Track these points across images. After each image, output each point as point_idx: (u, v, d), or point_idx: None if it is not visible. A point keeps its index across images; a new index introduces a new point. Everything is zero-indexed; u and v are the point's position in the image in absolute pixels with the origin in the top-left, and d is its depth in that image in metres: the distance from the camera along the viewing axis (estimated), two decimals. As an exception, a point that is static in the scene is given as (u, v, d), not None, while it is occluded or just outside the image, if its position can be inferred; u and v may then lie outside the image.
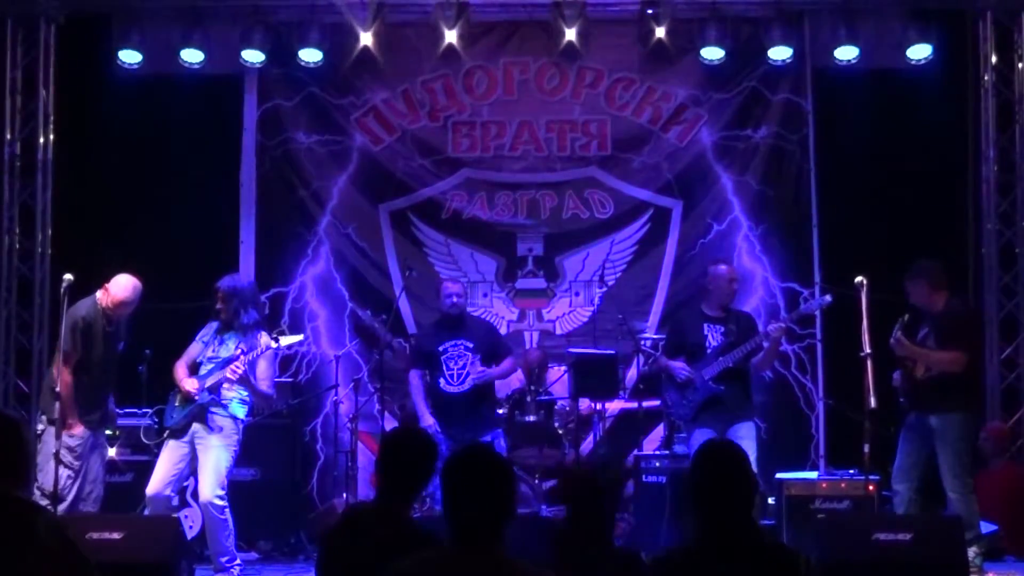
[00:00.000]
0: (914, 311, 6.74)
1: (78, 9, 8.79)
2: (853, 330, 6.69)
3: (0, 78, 8.65)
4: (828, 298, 7.03)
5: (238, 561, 6.55)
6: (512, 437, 7.73)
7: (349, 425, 8.23)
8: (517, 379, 8.23)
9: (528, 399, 7.94)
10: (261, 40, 8.70)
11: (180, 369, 6.64)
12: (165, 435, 6.55)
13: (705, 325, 6.95)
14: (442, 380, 7.25)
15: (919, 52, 8.58)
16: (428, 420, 7.24)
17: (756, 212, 9.02)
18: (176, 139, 8.88)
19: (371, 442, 8.73)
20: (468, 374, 7.20)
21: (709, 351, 6.88)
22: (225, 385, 6.51)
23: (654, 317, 8.97)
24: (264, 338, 6.60)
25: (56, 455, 6.25)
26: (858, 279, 6.52)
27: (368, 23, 8.61)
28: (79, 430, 6.53)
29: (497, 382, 7.64)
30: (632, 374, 8.32)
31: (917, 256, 8.33)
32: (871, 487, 6.66)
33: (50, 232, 8.77)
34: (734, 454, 3.36)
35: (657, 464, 7.57)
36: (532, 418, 7.89)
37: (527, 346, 8.96)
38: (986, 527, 7.35)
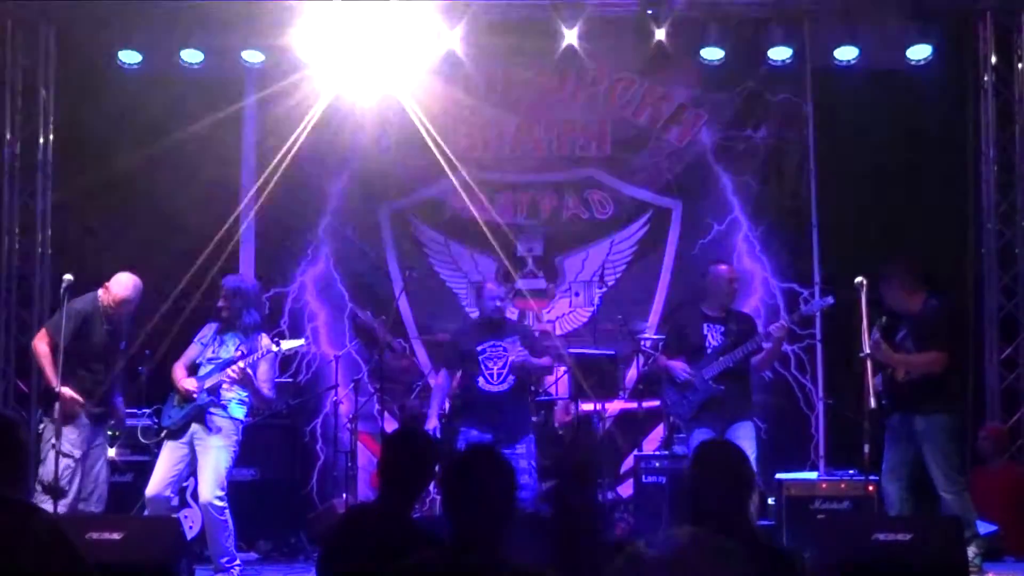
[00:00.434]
0: (892, 313, 6.71)
1: (78, 9, 8.79)
2: (853, 330, 6.70)
3: (0, 78, 8.65)
4: (830, 299, 7.02)
5: (238, 561, 6.55)
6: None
7: (349, 425, 8.23)
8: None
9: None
10: (261, 40, 8.68)
11: (179, 370, 6.64)
12: (162, 435, 6.55)
13: (705, 325, 6.95)
14: (481, 379, 7.04)
15: (919, 52, 8.58)
16: (431, 422, 7.15)
17: (756, 212, 9.02)
18: (176, 139, 8.86)
19: (371, 442, 8.74)
20: (508, 373, 7.03)
21: (709, 351, 6.87)
22: (224, 386, 6.51)
23: (654, 317, 8.98)
24: (265, 340, 6.60)
25: (57, 451, 6.24)
26: (858, 279, 6.51)
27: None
28: (67, 392, 6.43)
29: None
30: (632, 374, 8.32)
31: (916, 256, 8.36)
32: (871, 487, 6.66)
33: (50, 232, 8.77)
34: (731, 454, 3.36)
35: (657, 464, 7.57)
36: (533, 419, 7.89)
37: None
38: (986, 527, 7.35)
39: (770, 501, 7.50)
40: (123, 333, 6.88)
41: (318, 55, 8.66)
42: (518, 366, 7.03)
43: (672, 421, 7.59)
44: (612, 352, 8.29)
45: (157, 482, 6.42)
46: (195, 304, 7.59)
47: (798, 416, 8.80)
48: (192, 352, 6.72)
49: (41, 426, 6.61)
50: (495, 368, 7.05)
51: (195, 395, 6.47)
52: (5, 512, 3.39)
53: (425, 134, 9.10)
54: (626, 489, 8.34)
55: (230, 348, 6.60)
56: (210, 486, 6.35)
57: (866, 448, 6.35)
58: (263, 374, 6.60)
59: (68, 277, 6.47)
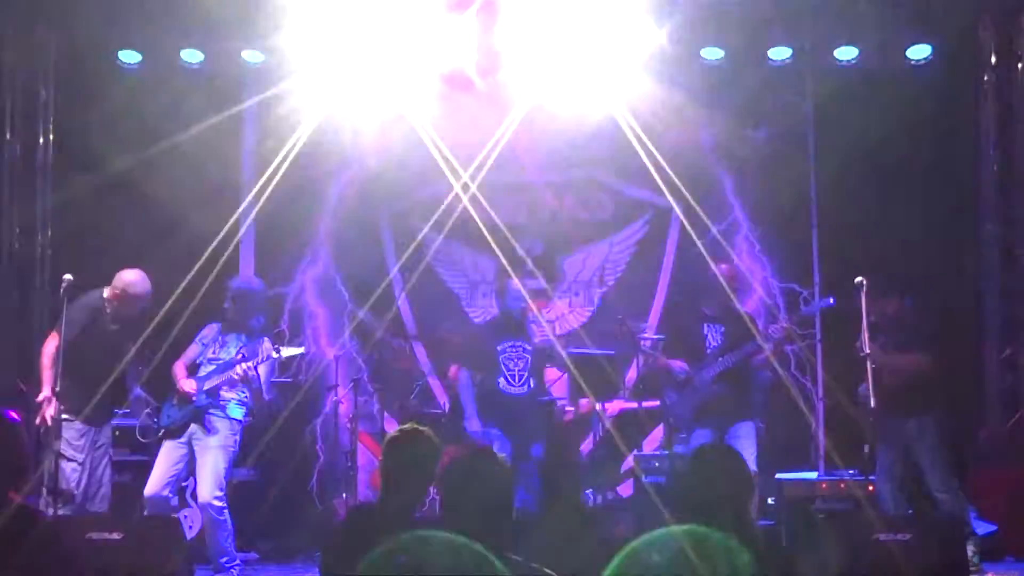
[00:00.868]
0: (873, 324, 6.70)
1: (78, 9, 8.78)
2: (853, 330, 6.70)
3: (0, 78, 8.65)
4: (830, 300, 7.02)
5: (237, 561, 6.56)
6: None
7: (349, 425, 8.24)
8: None
9: None
10: (260, 40, 8.68)
11: (179, 369, 6.64)
12: (160, 434, 6.54)
13: (705, 325, 6.96)
14: (502, 380, 6.98)
15: (919, 52, 8.58)
16: (474, 424, 7.01)
17: (756, 212, 9.02)
18: (176, 139, 8.86)
19: (371, 442, 8.74)
20: (529, 375, 6.97)
21: (709, 351, 6.88)
22: (223, 388, 6.50)
23: (654, 317, 8.99)
24: (267, 345, 6.59)
25: (56, 453, 6.21)
26: (858, 279, 6.52)
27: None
28: (53, 409, 6.23)
29: None
30: (632, 374, 8.32)
31: (916, 256, 8.38)
32: (871, 487, 6.66)
33: (50, 232, 8.77)
34: (729, 458, 3.35)
35: (657, 464, 7.57)
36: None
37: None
38: (986, 527, 7.36)
39: (770, 501, 7.50)
40: (129, 334, 6.74)
41: (315, 56, 8.70)
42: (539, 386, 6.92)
43: (672, 421, 7.58)
44: (612, 352, 8.29)
45: (155, 482, 6.43)
46: (196, 304, 7.57)
47: (798, 416, 8.80)
48: (193, 352, 6.71)
49: (43, 430, 6.49)
50: (516, 369, 6.99)
51: (194, 396, 6.48)
52: (5, 512, 3.40)
53: (431, 145, 9.13)
54: (626, 489, 8.34)
55: (231, 350, 6.60)
56: (209, 486, 6.36)
57: (866, 448, 6.36)
58: (262, 377, 6.59)
59: (68, 277, 6.45)
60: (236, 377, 6.45)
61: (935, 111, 8.75)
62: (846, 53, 8.63)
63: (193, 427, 6.48)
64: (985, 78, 8.64)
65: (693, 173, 9.11)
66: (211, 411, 6.47)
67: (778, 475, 7.45)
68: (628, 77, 9.11)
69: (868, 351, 6.40)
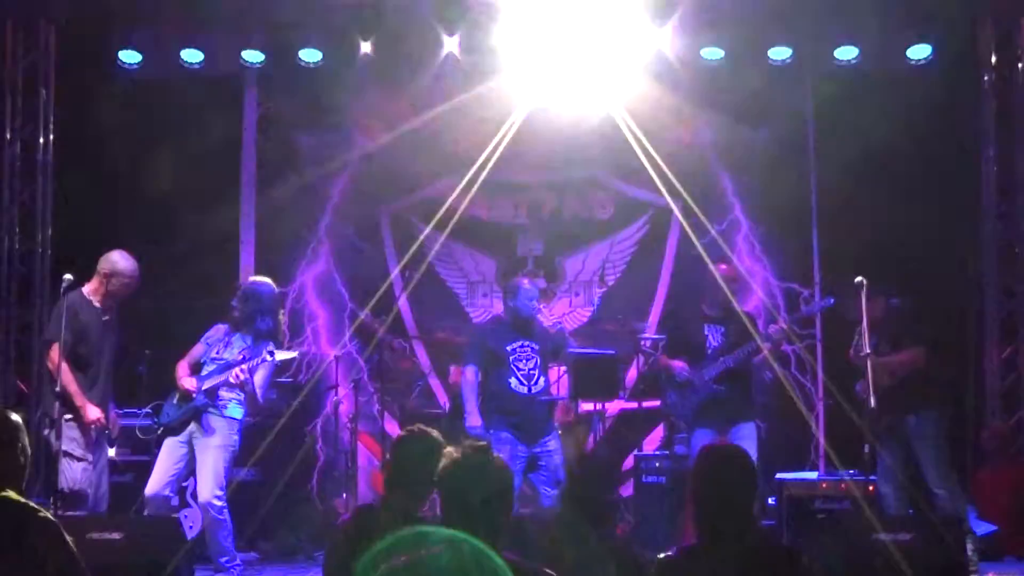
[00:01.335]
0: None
1: (78, 9, 8.78)
2: (852, 330, 6.71)
3: (0, 78, 8.65)
4: (830, 300, 7.02)
5: (238, 561, 6.55)
6: None
7: (349, 425, 8.24)
8: None
9: None
10: (261, 40, 8.70)
11: (181, 368, 6.64)
12: (159, 432, 6.54)
13: (706, 326, 6.96)
14: (513, 380, 6.88)
15: (919, 52, 8.58)
16: (475, 420, 6.92)
17: (756, 212, 9.02)
18: (176, 139, 8.87)
19: (371, 442, 8.74)
20: (540, 374, 6.90)
21: (710, 351, 6.88)
22: (222, 388, 6.49)
23: (654, 317, 8.99)
24: (270, 348, 6.56)
25: (58, 451, 6.21)
26: (858, 279, 6.52)
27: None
28: (96, 413, 6.33)
29: None
30: (632, 374, 8.32)
31: (916, 256, 8.38)
32: (871, 487, 6.66)
33: (50, 232, 8.77)
34: (734, 459, 3.35)
35: (657, 464, 7.57)
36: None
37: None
38: (986, 527, 7.36)
39: (770, 501, 7.50)
40: (115, 325, 6.70)
41: (318, 55, 8.71)
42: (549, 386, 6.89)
43: (672, 421, 7.59)
44: (612, 352, 8.29)
45: (156, 481, 6.42)
46: (196, 304, 7.58)
47: (798, 416, 8.80)
48: (197, 351, 6.71)
49: (46, 432, 6.40)
50: (526, 368, 6.93)
51: (193, 395, 6.47)
52: (5, 512, 3.39)
53: (425, 134, 9.14)
54: (626, 489, 8.34)
55: (235, 350, 6.59)
56: (209, 486, 6.35)
57: (866, 448, 6.36)
58: (259, 379, 6.57)
59: (68, 277, 6.44)
60: (232, 380, 6.44)
61: (935, 111, 8.74)
62: (846, 53, 8.63)
63: (193, 427, 6.47)
64: (985, 78, 8.64)
65: (693, 173, 9.12)
66: (209, 411, 6.47)
67: (778, 475, 7.45)
68: (628, 77, 9.13)
69: (868, 351, 6.40)
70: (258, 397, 6.57)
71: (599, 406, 8.09)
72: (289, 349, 6.71)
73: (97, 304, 6.57)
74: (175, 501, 7.00)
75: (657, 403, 7.87)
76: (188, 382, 6.51)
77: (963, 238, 8.79)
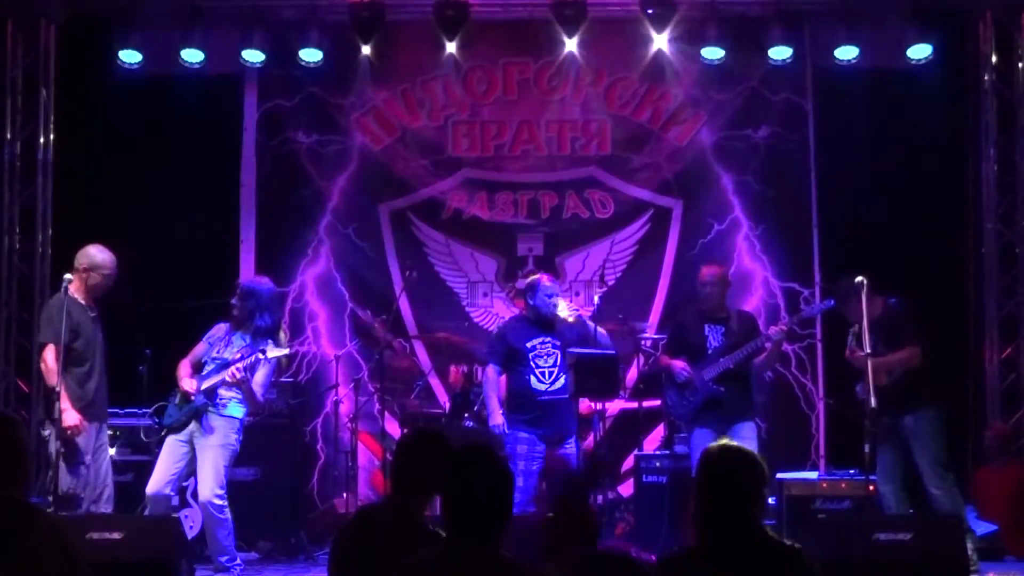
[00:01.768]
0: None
1: (78, 9, 8.79)
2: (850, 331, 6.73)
3: (0, 78, 8.65)
4: (830, 301, 7.01)
5: (238, 561, 6.55)
6: None
7: (349, 425, 8.24)
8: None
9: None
10: (261, 40, 8.70)
11: (183, 367, 6.63)
12: (163, 432, 6.54)
13: (706, 326, 6.95)
14: (533, 378, 6.85)
15: (919, 52, 8.57)
16: (497, 419, 6.91)
17: (756, 212, 9.02)
18: (176, 139, 8.88)
19: (371, 442, 8.74)
20: (561, 371, 6.87)
21: (710, 352, 6.87)
22: (222, 387, 6.49)
23: (654, 317, 8.97)
24: (261, 347, 6.54)
25: (57, 452, 6.21)
26: (858, 279, 6.52)
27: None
28: (75, 419, 6.30)
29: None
30: (632, 374, 8.31)
31: (916, 256, 8.38)
32: (871, 487, 6.66)
33: (50, 232, 8.78)
34: (740, 460, 3.33)
35: (657, 464, 7.56)
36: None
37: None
38: (986, 527, 7.36)
39: (770, 501, 7.50)
40: (100, 319, 6.68)
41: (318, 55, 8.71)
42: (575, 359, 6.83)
43: (672, 421, 7.58)
44: (612, 352, 8.27)
45: (157, 480, 6.42)
46: (196, 304, 7.57)
47: (798, 416, 8.80)
48: (199, 350, 6.71)
49: (46, 433, 6.40)
50: (546, 366, 6.91)
51: (193, 396, 6.47)
52: (5, 512, 3.39)
53: (425, 134, 9.14)
54: (626, 489, 8.34)
55: (234, 349, 6.59)
56: (209, 485, 6.35)
57: (866, 448, 6.36)
58: (259, 378, 6.57)
59: (68, 277, 6.45)
60: (228, 379, 6.43)
61: (935, 111, 8.75)
62: (846, 53, 8.63)
63: (194, 426, 6.47)
64: (985, 78, 8.65)
65: (693, 173, 9.13)
66: (209, 411, 6.46)
67: (778, 475, 7.45)
68: (628, 77, 9.14)
69: (868, 351, 6.40)
70: (257, 396, 6.57)
71: (599, 406, 8.08)
72: (280, 346, 6.67)
73: (83, 301, 6.54)
74: (176, 501, 7.00)
75: (657, 403, 7.86)
76: (187, 383, 6.51)
77: (963, 238, 8.79)
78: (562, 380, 6.89)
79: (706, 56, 8.70)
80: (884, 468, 6.68)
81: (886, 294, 6.82)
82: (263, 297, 6.66)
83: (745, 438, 6.55)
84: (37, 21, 8.70)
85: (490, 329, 9.01)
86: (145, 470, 6.87)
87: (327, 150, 9.17)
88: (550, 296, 6.97)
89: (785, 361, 8.67)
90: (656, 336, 8.41)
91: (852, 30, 8.61)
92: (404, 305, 8.95)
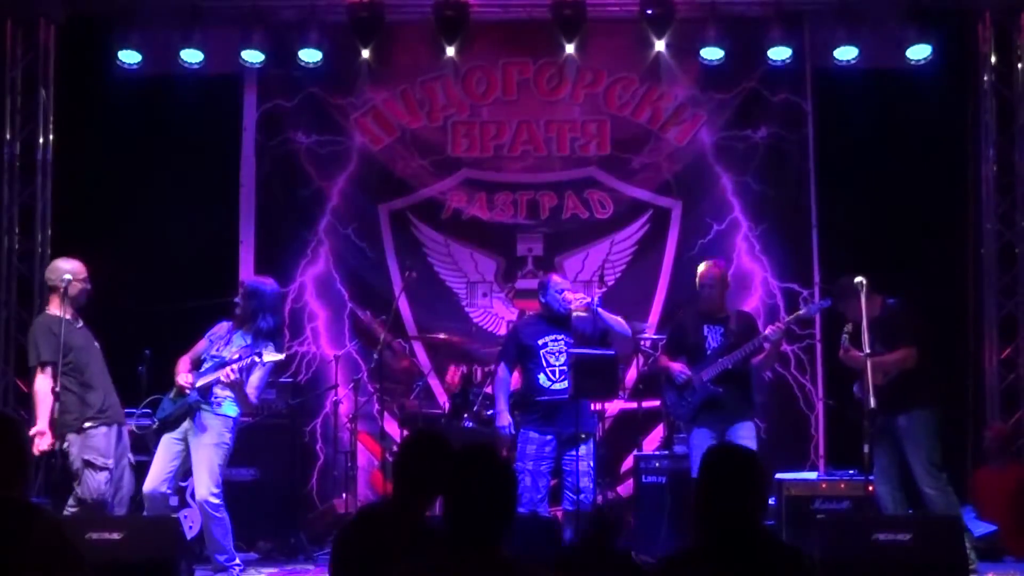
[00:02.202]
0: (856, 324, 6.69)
1: (78, 9, 8.79)
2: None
3: (0, 78, 8.65)
4: (828, 301, 7.03)
5: (237, 560, 6.54)
6: None
7: (349, 425, 8.24)
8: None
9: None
10: (261, 40, 8.70)
11: (182, 363, 6.62)
12: (156, 426, 6.53)
13: (705, 326, 6.95)
14: (543, 376, 6.84)
15: (919, 52, 8.58)
16: (504, 419, 6.91)
17: (756, 212, 9.02)
18: (176, 139, 8.87)
19: (371, 442, 8.74)
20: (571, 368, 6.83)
21: (709, 352, 6.87)
22: (217, 386, 6.48)
23: (654, 317, 8.97)
24: (259, 350, 6.52)
25: (56, 451, 6.19)
26: (858, 279, 6.52)
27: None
28: (47, 445, 6.20)
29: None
30: (632, 374, 8.31)
31: (916, 256, 8.39)
32: (871, 487, 6.66)
33: (50, 232, 8.78)
34: (741, 461, 3.33)
35: (657, 464, 7.56)
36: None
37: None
38: (985, 527, 7.37)
39: (770, 501, 7.50)
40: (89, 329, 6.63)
41: (318, 55, 8.72)
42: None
43: (672, 421, 7.58)
44: (612, 352, 8.28)
45: (153, 478, 6.41)
46: (195, 304, 7.57)
47: (798, 416, 8.80)
48: (200, 347, 6.71)
49: (65, 444, 6.33)
50: (557, 364, 6.88)
51: (187, 391, 6.46)
52: (5, 512, 3.39)
53: (425, 134, 9.13)
54: (626, 489, 8.34)
55: (233, 348, 6.58)
56: (204, 484, 6.35)
57: (866, 448, 6.36)
58: (254, 381, 6.56)
59: (68, 276, 6.45)
60: (223, 379, 6.42)
61: (935, 111, 8.75)
62: (846, 53, 8.63)
63: (188, 425, 6.46)
64: (985, 78, 8.65)
65: (692, 173, 9.13)
66: (203, 408, 6.45)
67: (778, 475, 7.45)
68: (628, 77, 9.14)
69: (868, 350, 6.40)
70: (250, 399, 6.56)
71: (599, 406, 8.08)
72: (278, 352, 6.66)
73: (68, 317, 6.43)
74: (174, 500, 6.99)
75: (656, 403, 7.86)
76: (184, 377, 6.49)
77: (962, 238, 8.79)
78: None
79: (705, 56, 8.71)
80: (880, 468, 6.69)
81: (885, 294, 6.83)
82: (267, 298, 6.66)
83: (744, 438, 6.56)
84: (37, 21, 8.71)
85: (490, 330, 9.03)
86: (145, 470, 6.85)
87: (326, 150, 9.17)
88: (560, 292, 6.96)
89: (784, 361, 8.67)
90: (655, 336, 8.40)
91: (851, 30, 8.62)
92: (403, 305, 8.95)
